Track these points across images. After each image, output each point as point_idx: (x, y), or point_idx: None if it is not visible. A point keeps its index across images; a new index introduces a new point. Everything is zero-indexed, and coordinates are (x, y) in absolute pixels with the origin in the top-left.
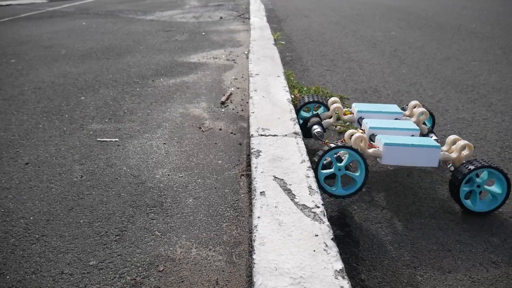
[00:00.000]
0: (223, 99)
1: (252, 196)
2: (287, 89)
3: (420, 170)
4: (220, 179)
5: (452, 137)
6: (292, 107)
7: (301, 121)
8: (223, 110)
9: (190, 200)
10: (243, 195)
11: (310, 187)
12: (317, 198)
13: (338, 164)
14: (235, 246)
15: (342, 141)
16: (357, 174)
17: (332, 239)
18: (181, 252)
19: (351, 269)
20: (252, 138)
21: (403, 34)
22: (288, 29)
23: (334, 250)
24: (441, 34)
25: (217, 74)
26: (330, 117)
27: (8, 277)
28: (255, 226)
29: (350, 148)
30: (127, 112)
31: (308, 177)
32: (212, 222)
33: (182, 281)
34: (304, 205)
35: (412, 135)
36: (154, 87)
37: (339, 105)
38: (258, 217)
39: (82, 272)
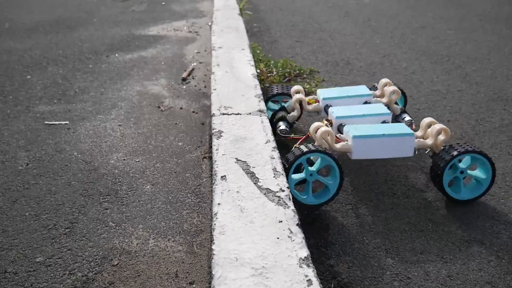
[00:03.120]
0: (184, 75)
1: (213, 181)
2: (252, 63)
3: None
4: (181, 162)
5: (426, 120)
6: (257, 82)
7: (270, 113)
8: (184, 87)
9: (148, 187)
10: (205, 179)
11: (274, 169)
12: (282, 181)
13: (310, 168)
14: (196, 235)
15: (308, 135)
16: (330, 180)
17: (297, 224)
18: (137, 244)
19: (320, 255)
20: (213, 118)
21: (377, 2)
22: None
23: (299, 236)
24: (416, 1)
25: (178, 48)
26: (294, 110)
27: None
28: (215, 214)
29: (324, 152)
30: (78, 92)
31: (273, 158)
32: (172, 210)
33: (139, 275)
34: (268, 189)
35: (384, 121)
36: (108, 63)
37: (301, 95)
38: (219, 204)
39: (27, 270)
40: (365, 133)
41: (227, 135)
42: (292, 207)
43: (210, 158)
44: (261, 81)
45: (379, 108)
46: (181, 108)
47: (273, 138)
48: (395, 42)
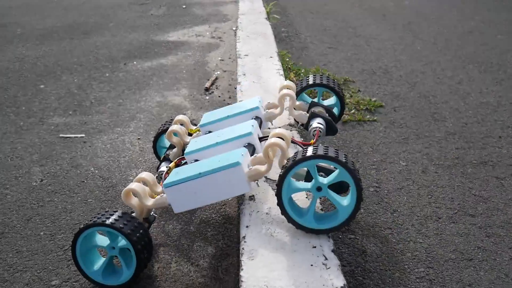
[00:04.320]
0: (207, 84)
1: (240, 201)
2: (282, 72)
3: (436, 166)
4: None
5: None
6: None
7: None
8: (207, 97)
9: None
10: (231, 199)
11: None
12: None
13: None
14: (222, 259)
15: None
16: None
17: (332, 250)
18: (158, 268)
19: (356, 284)
20: None
21: (417, 3)
22: (283, 0)
23: (334, 263)
24: (462, 3)
25: (200, 55)
26: (175, 147)
27: None
28: (243, 237)
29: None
30: (94, 103)
31: None
32: (195, 231)
33: None
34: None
35: (248, 143)
36: (126, 71)
37: (178, 127)
38: (247, 227)
39: None
40: (180, 177)
41: None
42: None
43: None
44: None
45: (238, 130)
46: None
47: None
48: (439, 49)
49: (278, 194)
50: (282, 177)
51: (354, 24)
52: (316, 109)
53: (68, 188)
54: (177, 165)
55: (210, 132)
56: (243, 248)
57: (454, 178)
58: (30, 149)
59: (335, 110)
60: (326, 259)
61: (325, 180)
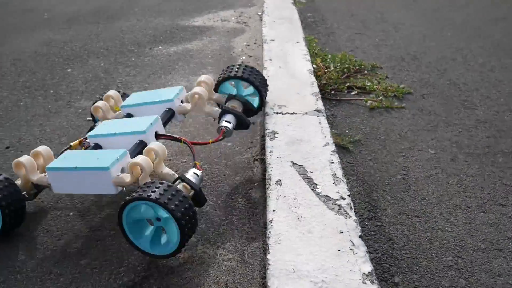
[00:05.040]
0: None
1: (267, 186)
2: (308, 57)
3: (466, 154)
4: (230, 164)
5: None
6: (314, 79)
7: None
8: None
9: None
10: (256, 183)
11: (334, 175)
12: (343, 188)
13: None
14: (248, 243)
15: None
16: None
17: (360, 236)
18: (185, 250)
19: (383, 271)
20: (266, 117)
21: None
22: None
23: (362, 249)
24: None
25: (225, 40)
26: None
27: None
28: (270, 221)
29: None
30: (120, 87)
31: (332, 162)
32: (221, 215)
33: (187, 283)
34: (327, 196)
35: (140, 141)
36: (152, 56)
37: (103, 103)
38: (274, 211)
39: (72, 272)
40: (61, 165)
41: (281, 136)
42: (354, 217)
43: (262, 160)
44: (317, 77)
45: (135, 124)
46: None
47: (332, 141)
48: (469, 35)
49: (119, 219)
50: (120, 210)
51: (382, 9)
52: (229, 105)
53: None
54: (80, 143)
55: (128, 113)
56: (269, 232)
57: (485, 167)
58: (58, 131)
59: (255, 102)
60: (353, 244)
61: (165, 215)
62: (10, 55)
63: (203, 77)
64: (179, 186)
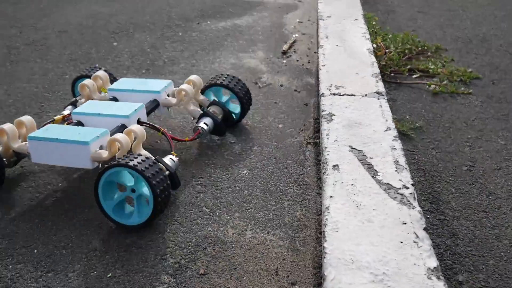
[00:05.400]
0: (285, 47)
1: (323, 171)
2: (368, 36)
3: None
4: (281, 147)
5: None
6: (374, 59)
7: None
8: (284, 61)
9: (245, 172)
10: (309, 168)
11: (396, 162)
12: (406, 177)
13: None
14: (299, 230)
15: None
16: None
17: (424, 229)
18: (233, 234)
19: (445, 268)
20: (322, 98)
21: None
22: None
23: (426, 243)
24: None
25: (277, 16)
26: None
27: (36, 251)
28: (327, 208)
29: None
30: (167, 62)
31: (395, 149)
32: (271, 200)
33: (235, 268)
34: (388, 184)
35: (122, 124)
36: (199, 31)
37: (89, 82)
38: (331, 197)
39: (117, 249)
40: (42, 135)
41: (339, 118)
42: (418, 208)
43: (315, 144)
44: (376, 57)
45: (120, 108)
46: (281, 86)
47: (394, 126)
48: None
49: (95, 186)
50: (97, 179)
51: None
52: (211, 109)
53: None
54: (63, 119)
55: (114, 97)
56: (326, 219)
57: None
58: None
59: (236, 110)
60: (417, 237)
61: (143, 188)
62: (55, 27)
63: (192, 77)
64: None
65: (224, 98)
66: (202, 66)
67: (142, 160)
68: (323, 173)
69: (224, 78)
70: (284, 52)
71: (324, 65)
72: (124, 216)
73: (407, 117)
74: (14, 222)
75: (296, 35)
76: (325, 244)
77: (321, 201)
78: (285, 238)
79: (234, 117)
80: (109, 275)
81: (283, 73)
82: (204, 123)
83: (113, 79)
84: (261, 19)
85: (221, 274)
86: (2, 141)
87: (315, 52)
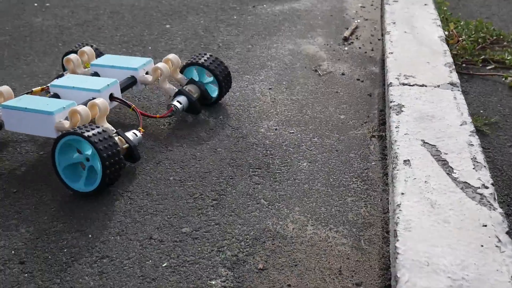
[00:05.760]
0: (347, 33)
1: (392, 166)
2: (439, 22)
3: None
4: (344, 139)
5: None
6: (446, 47)
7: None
8: (346, 48)
9: (305, 164)
10: (374, 162)
11: (474, 159)
12: (485, 175)
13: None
14: (364, 228)
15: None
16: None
17: (507, 232)
18: (293, 229)
19: None
20: (390, 88)
21: None
22: None
23: (509, 248)
24: None
25: (337, 0)
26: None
27: (90, 236)
28: (398, 205)
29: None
30: (222, 46)
31: (472, 145)
32: (334, 195)
33: (295, 265)
34: (466, 182)
35: (93, 98)
36: (255, 15)
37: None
38: (402, 194)
39: (173, 239)
40: (14, 104)
41: (409, 110)
42: (500, 209)
43: (380, 137)
44: (448, 46)
45: (94, 83)
46: (342, 74)
47: (470, 120)
48: None
49: (52, 155)
50: (53, 147)
51: None
52: (186, 88)
53: (197, 135)
54: (42, 90)
55: (96, 72)
56: (398, 217)
57: None
58: (157, 91)
59: (215, 92)
60: (499, 241)
61: (90, 153)
62: (107, 8)
63: (170, 56)
64: (116, 138)
65: (207, 79)
66: (258, 51)
67: (96, 131)
68: (393, 168)
69: (206, 58)
70: (346, 39)
71: (391, 53)
72: (75, 181)
73: (481, 111)
74: (67, 205)
75: (358, 20)
76: (397, 244)
77: (387, 199)
78: (348, 236)
79: (212, 97)
80: (164, 265)
81: (345, 61)
82: (178, 101)
83: (99, 55)
84: (320, 3)
85: (281, 270)
86: None
87: (379, 39)
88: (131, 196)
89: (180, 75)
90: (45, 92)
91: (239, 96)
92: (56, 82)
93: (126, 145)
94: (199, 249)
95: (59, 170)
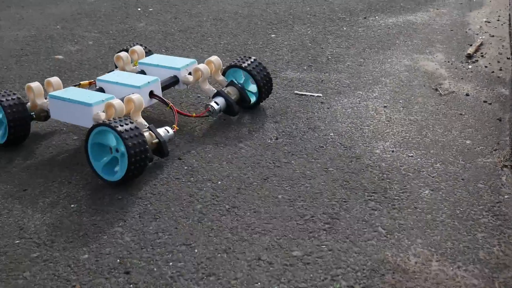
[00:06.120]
0: (470, 50)
1: None
2: None
3: None
4: (470, 167)
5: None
6: None
7: None
8: (470, 66)
9: (426, 192)
10: (507, 196)
11: None
12: None
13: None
14: (498, 269)
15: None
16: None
17: None
18: (416, 263)
19: None
20: None
21: None
22: None
23: None
24: None
25: (458, 14)
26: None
27: (196, 250)
28: None
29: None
30: (331, 59)
31: None
32: (461, 229)
33: None
34: None
35: (134, 94)
36: (366, 27)
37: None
38: None
39: (283, 263)
40: (59, 94)
41: None
42: None
43: None
44: None
45: (136, 80)
46: (466, 95)
47: None
48: None
49: (85, 144)
50: (86, 137)
51: None
52: (226, 90)
53: (306, 151)
54: (89, 84)
55: (142, 70)
56: None
57: None
58: (264, 103)
59: (254, 96)
60: None
61: (122, 148)
62: (210, 15)
63: (212, 58)
64: (146, 134)
65: (253, 87)
66: (371, 66)
67: (124, 123)
68: None
69: (250, 63)
70: (469, 56)
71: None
72: (112, 174)
73: None
74: (173, 218)
75: (483, 36)
76: None
77: None
78: (480, 277)
79: (251, 100)
80: None
81: (469, 80)
82: (215, 102)
83: (148, 54)
84: (438, 16)
85: None
86: (30, 97)
87: (508, 58)
88: (238, 213)
89: (221, 77)
90: (93, 86)
91: (351, 113)
92: (102, 77)
93: (156, 140)
94: (311, 275)
95: (95, 166)
